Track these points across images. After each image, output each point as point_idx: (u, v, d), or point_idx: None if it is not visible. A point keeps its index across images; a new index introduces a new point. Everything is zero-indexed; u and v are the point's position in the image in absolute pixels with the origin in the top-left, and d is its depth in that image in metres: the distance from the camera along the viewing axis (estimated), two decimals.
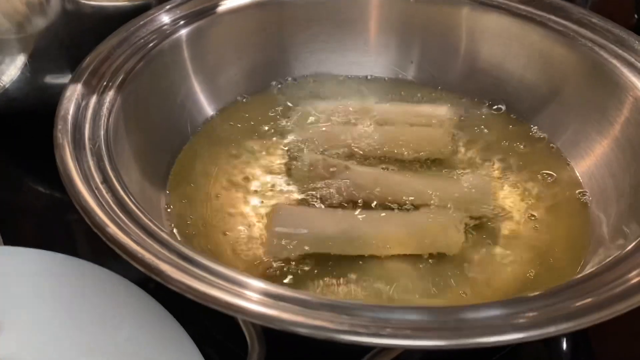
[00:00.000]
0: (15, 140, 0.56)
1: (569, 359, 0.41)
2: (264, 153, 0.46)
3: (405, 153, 0.45)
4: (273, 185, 0.43)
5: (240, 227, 0.40)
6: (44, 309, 0.38)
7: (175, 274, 0.27)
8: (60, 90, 0.52)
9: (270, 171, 0.44)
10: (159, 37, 0.44)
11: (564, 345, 0.41)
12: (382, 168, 0.44)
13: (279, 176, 0.44)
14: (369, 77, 0.53)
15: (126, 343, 0.36)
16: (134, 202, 0.32)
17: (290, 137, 0.47)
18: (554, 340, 0.41)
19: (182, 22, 0.46)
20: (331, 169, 0.42)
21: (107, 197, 0.32)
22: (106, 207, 0.31)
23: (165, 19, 0.46)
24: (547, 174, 0.44)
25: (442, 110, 0.49)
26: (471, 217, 0.40)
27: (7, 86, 0.51)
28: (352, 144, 0.46)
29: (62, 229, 0.50)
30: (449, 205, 0.40)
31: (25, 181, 0.55)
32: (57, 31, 0.48)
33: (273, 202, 0.41)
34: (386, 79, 0.53)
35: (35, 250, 0.41)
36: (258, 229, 0.40)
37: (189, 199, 0.42)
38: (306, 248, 0.37)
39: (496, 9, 0.48)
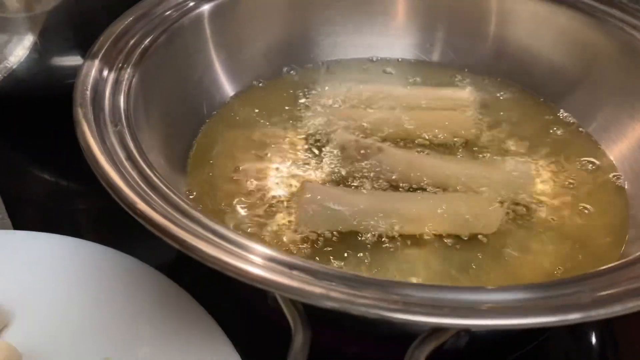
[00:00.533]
0: (22, 124, 0.54)
1: (597, 353, 0.40)
2: (283, 136, 0.44)
3: (428, 136, 0.44)
4: (295, 169, 0.41)
5: (264, 211, 0.38)
6: (57, 294, 0.37)
7: (212, 251, 0.25)
8: (69, 71, 0.50)
9: (291, 155, 0.42)
10: (180, 12, 0.43)
11: (593, 339, 0.40)
12: (418, 151, 0.43)
13: (301, 160, 0.42)
14: (390, 60, 0.52)
15: (145, 326, 0.35)
16: (160, 178, 0.30)
17: (309, 121, 0.45)
18: (583, 334, 0.40)
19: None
20: (362, 151, 0.40)
21: (133, 173, 0.30)
22: (133, 183, 0.29)
23: None
24: (578, 158, 0.43)
25: (464, 93, 0.48)
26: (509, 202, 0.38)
27: (14, 67, 0.49)
28: (373, 128, 0.44)
29: (69, 216, 0.49)
30: (486, 189, 0.39)
31: (30, 168, 0.53)
32: (67, 10, 0.47)
33: (296, 185, 0.40)
34: (409, 62, 0.52)
35: (48, 235, 0.40)
36: (282, 213, 0.38)
37: (209, 182, 0.40)
38: (336, 225, 0.36)
39: None
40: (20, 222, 0.45)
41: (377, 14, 0.51)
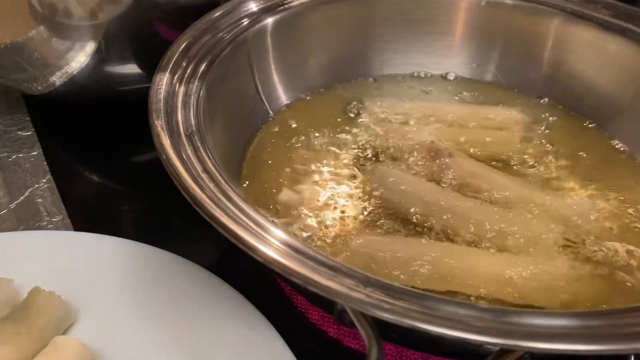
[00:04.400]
0: (77, 127, 0.56)
1: None
2: (334, 146, 0.45)
3: (476, 154, 0.45)
4: (349, 173, 0.43)
5: (322, 223, 0.39)
6: (117, 293, 0.39)
7: (297, 267, 0.27)
8: (125, 78, 0.52)
9: (343, 162, 0.44)
10: (244, 25, 0.44)
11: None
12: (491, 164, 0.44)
13: (354, 168, 0.43)
14: (438, 77, 0.53)
15: (206, 331, 0.36)
16: (237, 193, 0.32)
17: (360, 132, 0.46)
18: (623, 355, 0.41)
19: (265, 13, 0.46)
20: (433, 153, 0.42)
21: (211, 186, 0.31)
22: (212, 197, 0.30)
23: (248, 8, 0.46)
24: (626, 188, 0.43)
25: (513, 113, 0.49)
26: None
27: (74, 72, 0.51)
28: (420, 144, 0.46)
29: (114, 215, 0.50)
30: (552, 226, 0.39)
31: (82, 170, 0.54)
32: (128, 19, 0.48)
33: (354, 189, 0.41)
34: (458, 80, 0.53)
35: (105, 237, 0.42)
36: (339, 222, 0.39)
37: (264, 193, 0.41)
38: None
39: (585, 19, 0.48)
40: (77, 222, 0.46)
41: (429, 33, 0.52)
